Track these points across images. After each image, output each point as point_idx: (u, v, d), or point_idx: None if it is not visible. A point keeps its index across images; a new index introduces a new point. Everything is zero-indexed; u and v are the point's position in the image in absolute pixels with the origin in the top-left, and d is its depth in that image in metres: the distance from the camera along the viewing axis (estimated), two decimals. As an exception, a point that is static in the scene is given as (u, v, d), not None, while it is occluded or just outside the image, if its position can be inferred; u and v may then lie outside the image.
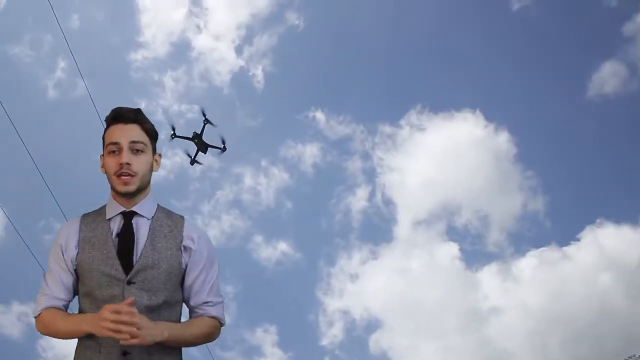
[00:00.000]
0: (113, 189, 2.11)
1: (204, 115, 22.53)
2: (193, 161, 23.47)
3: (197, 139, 22.82)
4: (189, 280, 2.15)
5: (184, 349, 2.18)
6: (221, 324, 2.22)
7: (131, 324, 1.89)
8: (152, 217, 2.14)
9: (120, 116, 2.11)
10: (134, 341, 1.90)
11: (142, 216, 2.12)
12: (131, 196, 2.10)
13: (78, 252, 2.08)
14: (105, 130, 2.13)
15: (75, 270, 2.10)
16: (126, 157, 2.05)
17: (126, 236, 2.08)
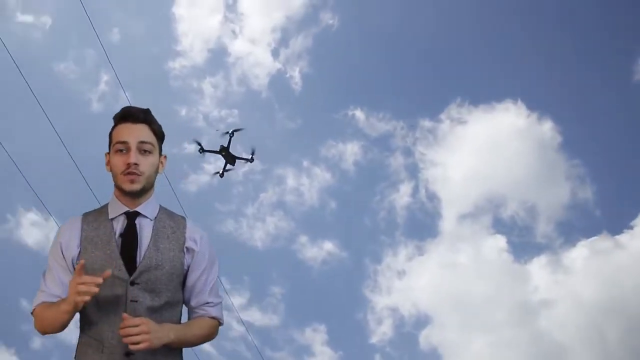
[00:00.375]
0: (118, 187, 2.10)
1: (229, 132, 22.96)
2: (222, 173, 23.90)
3: (224, 152, 23.22)
4: (190, 280, 2.16)
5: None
6: (220, 324, 2.25)
7: (143, 331, 1.92)
8: (155, 217, 2.14)
9: (129, 115, 2.10)
10: (143, 346, 1.92)
11: (145, 217, 2.12)
12: (135, 196, 2.09)
13: (80, 252, 2.07)
14: (113, 128, 2.12)
15: (75, 269, 2.06)
16: (134, 157, 2.05)
17: (130, 236, 2.08)
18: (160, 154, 2.15)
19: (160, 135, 2.14)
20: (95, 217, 2.13)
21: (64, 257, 2.10)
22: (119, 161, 2.07)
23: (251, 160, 23.89)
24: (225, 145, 23.14)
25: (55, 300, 2.08)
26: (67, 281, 2.07)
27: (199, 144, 23.22)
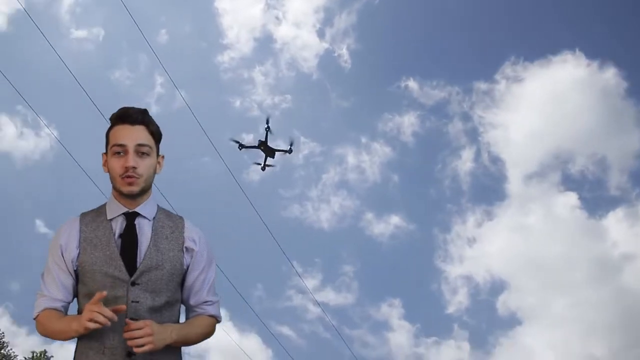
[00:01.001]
0: (116, 189, 2.09)
1: (267, 123, 23.11)
2: (264, 167, 23.87)
3: (263, 146, 23.36)
4: (189, 280, 2.17)
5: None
6: (217, 322, 2.26)
7: (147, 334, 1.92)
8: (154, 218, 2.14)
9: (127, 117, 2.08)
10: (147, 348, 1.93)
11: (144, 217, 2.12)
12: (134, 197, 2.09)
13: (79, 253, 2.06)
14: (110, 129, 2.11)
15: (75, 271, 2.08)
16: (132, 160, 2.04)
17: (129, 237, 2.08)
18: (157, 155, 2.14)
19: (157, 136, 2.13)
20: (94, 217, 2.12)
21: (64, 260, 2.08)
22: (116, 164, 2.06)
23: (290, 151, 23.89)
24: (263, 140, 23.08)
25: (58, 305, 2.09)
26: (68, 284, 2.09)
27: (237, 142, 23.27)
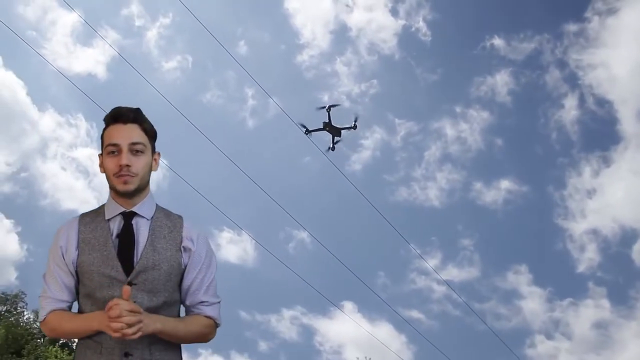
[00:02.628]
0: (112, 188, 2.08)
1: (326, 108, 23.47)
2: (333, 147, 24.18)
3: (328, 127, 23.61)
4: (187, 280, 2.15)
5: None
6: (217, 325, 2.21)
7: (137, 321, 1.89)
8: (152, 217, 2.12)
9: (120, 116, 2.07)
10: (135, 335, 1.89)
11: (142, 217, 2.10)
12: (131, 196, 2.07)
13: (78, 254, 2.06)
14: (104, 130, 2.09)
15: (76, 271, 2.07)
16: (126, 158, 2.03)
17: (126, 237, 2.06)
18: (153, 152, 2.13)
19: (151, 134, 2.12)
20: (92, 218, 2.11)
21: (64, 261, 2.08)
22: (111, 163, 2.05)
23: (355, 127, 24.22)
24: (327, 121, 23.43)
25: (63, 305, 2.09)
26: (70, 284, 2.09)
27: (304, 126, 23.59)
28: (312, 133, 23.83)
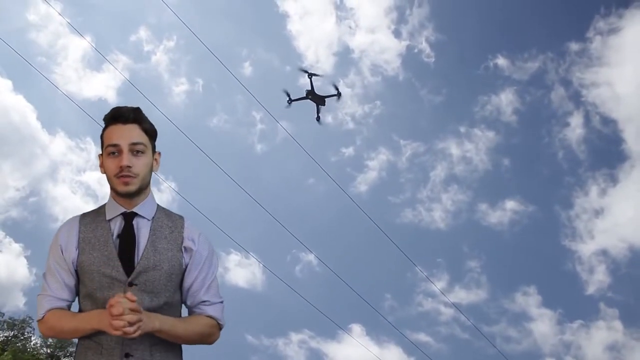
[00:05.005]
0: (113, 189, 2.07)
1: (306, 72, 23.01)
2: (318, 118, 23.98)
3: (311, 94, 23.25)
4: (188, 280, 2.13)
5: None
6: (220, 325, 2.17)
7: (137, 320, 1.87)
8: (153, 217, 2.11)
9: (119, 116, 2.05)
10: (133, 333, 1.86)
11: (143, 217, 2.09)
12: (132, 197, 2.06)
13: (79, 254, 2.04)
14: (104, 130, 2.08)
15: (76, 271, 2.06)
16: (126, 159, 2.01)
17: (127, 237, 2.05)
18: (154, 152, 2.11)
19: (152, 134, 2.10)
20: (93, 218, 2.10)
21: (64, 260, 2.06)
22: (111, 164, 2.03)
23: (338, 94, 23.84)
24: (310, 89, 23.12)
25: (62, 304, 2.07)
26: (70, 283, 2.07)
27: (287, 94, 23.27)
28: (295, 102, 23.55)
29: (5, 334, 28.76)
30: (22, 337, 29.01)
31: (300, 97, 23.55)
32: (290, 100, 23.50)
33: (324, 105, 23.90)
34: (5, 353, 26.24)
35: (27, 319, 29.42)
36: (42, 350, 28.24)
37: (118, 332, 1.85)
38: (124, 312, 1.84)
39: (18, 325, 29.16)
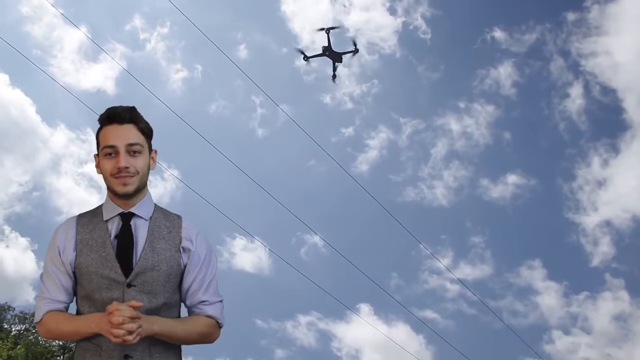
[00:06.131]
0: (111, 190, 2.05)
1: (324, 29, 22.71)
2: (334, 76, 23.92)
3: (327, 51, 23.05)
4: (187, 280, 2.12)
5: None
6: (219, 325, 2.17)
7: (137, 327, 1.87)
8: (150, 217, 2.10)
9: (115, 116, 2.04)
10: (132, 340, 1.87)
11: (141, 217, 2.08)
12: (129, 197, 2.05)
13: (76, 255, 2.03)
14: (100, 130, 2.06)
15: (73, 272, 2.05)
16: (124, 161, 2.00)
17: (125, 238, 2.04)
18: (150, 151, 2.10)
19: (148, 132, 2.09)
20: (90, 219, 2.09)
21: (62, 262, 2.05)
22: (108, 165, 2.02)
23: (355, 50, 23.65)
24: (327, 45, 22.89)
25: (60, 306, 2.07)
26: (68, 285, 2.06)
27: (302, 52, 23.30)
28: (312, 59, 23.42)
29: (17, 328, 29.09)
30: (33, 331, 29.28)
31: (317, 54, 23.33)
32: (307, 58, 23.34)
33: (341, 62, 23.68)
34: (19, 347, 26.51)
35: (38, 312, 29.62)
36: (54, 343, 28.50)
37: (118, 340, 1.85)
38: (124, 322, 1.84)
39: (29, 318, 29.43)
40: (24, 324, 29.58)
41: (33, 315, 29.20)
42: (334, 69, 23.83)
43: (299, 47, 23.69)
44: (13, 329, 29.04)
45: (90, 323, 1.95)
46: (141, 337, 1.89)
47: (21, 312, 29.63)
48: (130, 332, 1.86)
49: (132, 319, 1.86)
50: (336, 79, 24.36)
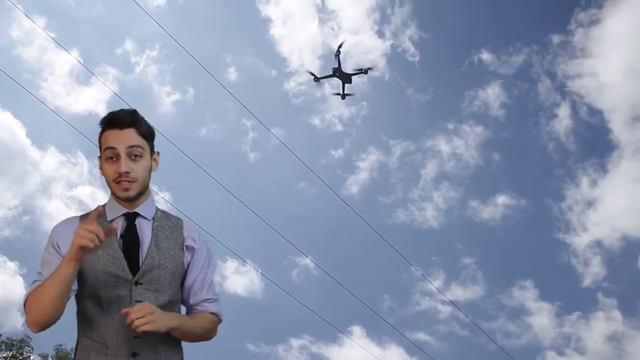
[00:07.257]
0: (113, 193, 2.08)
1: (339, 48, 23.06)
2: (344, 95, 24.14)
3: (337, 72, 23.44)
4: (190, 279, 2.16)
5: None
6: (219, 321, 2.22)
7: (148, 312, 1.87)
8: (153, 217, 2.13)
9: (116, 121, 2.05)
10: (149, 327, 1.87)
11: (144, 217, 2.11)
12: (132, 200, 2.07)
13: None
14: (101, 134, 2.07)
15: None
16: (125, 165, 2.01)
17: (131, 237, 2.06)
18: (152, 153, 2.11)
19: (149, 136, 2.10)
20: None
21: (60, 255, 2.01)
22: (110, 169, 2.03)
23: (366, 71, 24.02)
24: (337, 67, 23.25)
25: None
26: None
27: (313, 74, 23.63)
28: (322, 80, 23.67)
29: (3, 355, 28.51)
30: (20, 357, 28.74)
31: (327, 74, 23.65)
32: (317, 79, 23.66)
33: (350, 82, 23.94)
34: (5, 374, 26.00)
35: (26, 338, 29.18)
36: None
37: (85, 242, 1.82)
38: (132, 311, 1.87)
39: (16, 345, 28.90)
40: (10, 350, 29.03)
41: (21, 342, 28.92)
42: (343, 89, 24.09)
43: (309, 69, 24.00)
44: (-1, 357, 28.50)
45: (60, 265, 1.88)
46: (158, 328, 1.90)
47: (8, 339, 29.09)
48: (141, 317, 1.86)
49: (139, 309, 1.88)
50: (345, 98, 24.71)
